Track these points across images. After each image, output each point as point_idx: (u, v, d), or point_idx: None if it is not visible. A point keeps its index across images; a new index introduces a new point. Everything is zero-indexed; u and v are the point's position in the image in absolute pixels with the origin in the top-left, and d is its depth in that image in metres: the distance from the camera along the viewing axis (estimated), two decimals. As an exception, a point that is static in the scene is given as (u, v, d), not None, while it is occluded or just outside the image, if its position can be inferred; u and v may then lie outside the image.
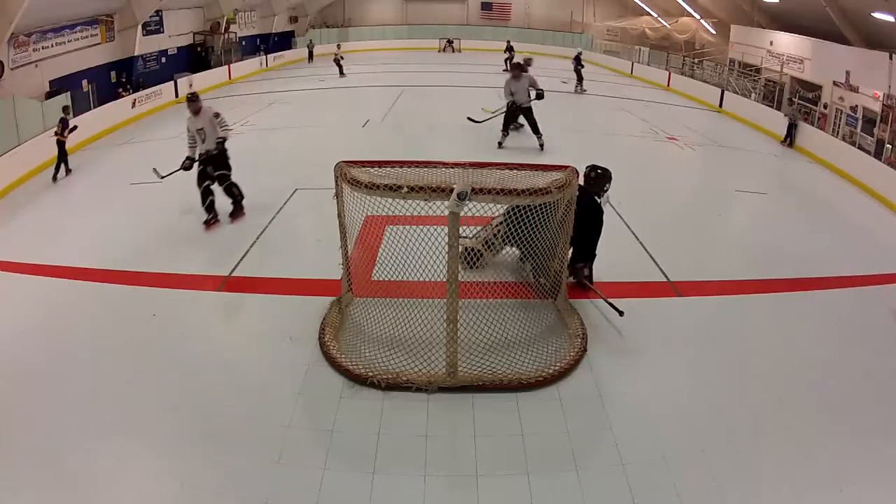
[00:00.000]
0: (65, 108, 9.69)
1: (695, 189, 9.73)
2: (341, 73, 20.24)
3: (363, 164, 4.58)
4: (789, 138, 12.49)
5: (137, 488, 3.40)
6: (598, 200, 5.42)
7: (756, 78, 18.07)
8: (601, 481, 3.47)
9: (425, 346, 4.41)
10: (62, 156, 9.15)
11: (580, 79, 17.56)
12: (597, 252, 5.51)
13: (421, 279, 4.72)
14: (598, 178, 5.45)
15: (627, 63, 23.39)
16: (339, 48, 22.34)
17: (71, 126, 9.32)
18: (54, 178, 9.04)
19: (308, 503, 3.30)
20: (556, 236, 4.82)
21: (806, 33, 16.02)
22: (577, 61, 17.56)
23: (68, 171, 9.24)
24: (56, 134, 9.11)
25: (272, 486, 3.40)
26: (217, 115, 6.88)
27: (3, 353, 4.62)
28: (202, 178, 6.96)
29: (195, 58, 19.89)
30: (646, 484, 3.44)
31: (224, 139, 6.91)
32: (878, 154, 11.92)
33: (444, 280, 4.12)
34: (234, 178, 7.12)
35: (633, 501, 3.33)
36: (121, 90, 15.31)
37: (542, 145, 10.30)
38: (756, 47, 18.57)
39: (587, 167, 5.50)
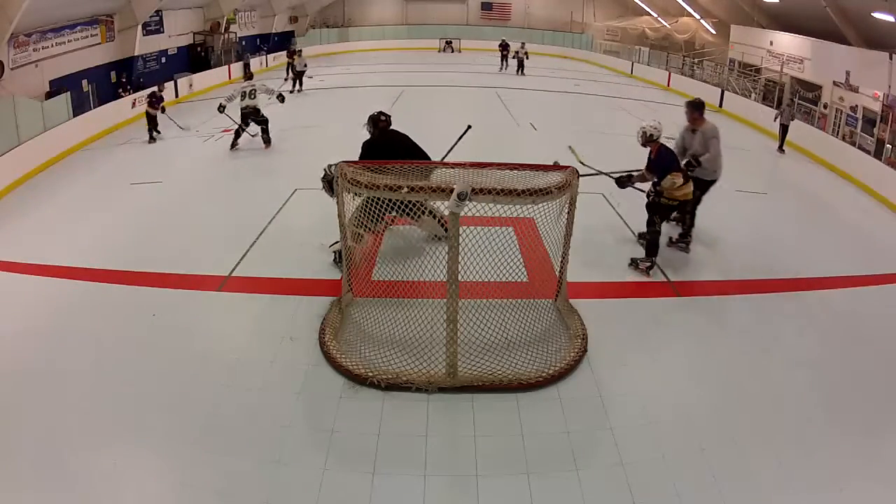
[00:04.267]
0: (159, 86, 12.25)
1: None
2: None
3: (363, 164, 4.59)
4: (782, 140, 11.70)
5: (137, 488, 3.40)
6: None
7: (756, 78, 18.06)
8: (601, 481, 3.47)
9: (425, 346, 4.40)
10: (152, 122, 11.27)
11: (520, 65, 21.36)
12: None
13: (421, 279, 4.72)
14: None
15: (627, 63, 23.39)
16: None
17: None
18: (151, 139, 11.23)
19: (308, 503, 3.30)
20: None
21: (806, 33, 16.02)
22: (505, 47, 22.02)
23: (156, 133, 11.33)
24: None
25: (272, 486, 3.40)
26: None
27: (3, 353, 4.62)
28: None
29: (195, 58, 19.87)
30: (646, 484, 3.44)
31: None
32: (878, 154, 11.91)
33: (444, 280, 4.12)
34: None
35: (633, 501, 3.33)
36: (121, 90, 15.29)
37: None
38: (756, 47, 18.57)
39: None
